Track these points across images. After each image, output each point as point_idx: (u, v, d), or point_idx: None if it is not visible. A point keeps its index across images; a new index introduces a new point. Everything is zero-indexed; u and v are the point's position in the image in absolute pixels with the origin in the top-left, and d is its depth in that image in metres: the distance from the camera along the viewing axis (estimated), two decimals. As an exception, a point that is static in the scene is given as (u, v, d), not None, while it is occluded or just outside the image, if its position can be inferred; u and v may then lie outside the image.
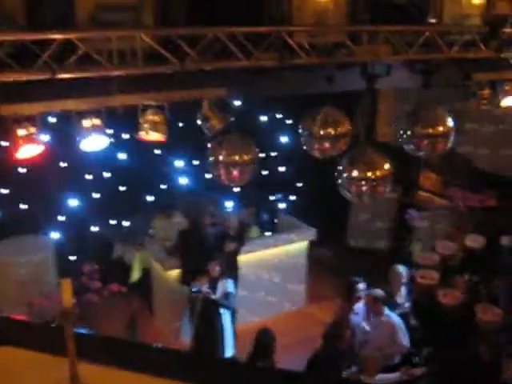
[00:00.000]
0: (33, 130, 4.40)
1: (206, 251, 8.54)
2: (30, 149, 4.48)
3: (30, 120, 4.45)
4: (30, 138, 4.41)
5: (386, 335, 7.40)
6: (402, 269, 8.10)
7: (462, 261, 8.79)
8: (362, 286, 7.78)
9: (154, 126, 5.19)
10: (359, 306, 7.71)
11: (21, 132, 4.37)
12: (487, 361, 6.71)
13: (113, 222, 11.15)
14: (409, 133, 6.23)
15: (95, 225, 10.97)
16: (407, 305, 7.98)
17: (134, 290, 10.16)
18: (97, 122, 4.52)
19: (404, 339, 7.41)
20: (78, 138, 4.63)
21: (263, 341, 6.96)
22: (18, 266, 9.34)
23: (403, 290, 8.05)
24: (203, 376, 4.42)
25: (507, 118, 10.31)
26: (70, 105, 4.46)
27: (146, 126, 5.20)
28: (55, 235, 10.40)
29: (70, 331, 3.87)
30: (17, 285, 9.04)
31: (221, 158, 5.64)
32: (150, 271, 10.01)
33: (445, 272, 8.32)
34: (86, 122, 4.51)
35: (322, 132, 5.83)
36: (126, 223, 11.18)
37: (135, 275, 10.28)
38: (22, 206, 10.34)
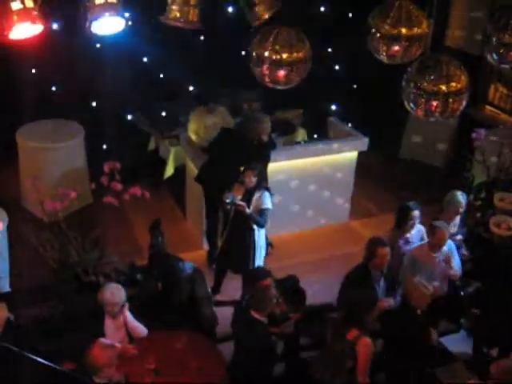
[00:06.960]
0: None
1: (242, 158, 7.44)
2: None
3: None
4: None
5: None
6: (460, 196, 7.15)
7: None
8: (416, 213, 6.87)
9: (184, 9, 4.19)
10: (413, 235, 6.93)
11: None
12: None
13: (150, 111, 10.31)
14: (495, 40, 5.36)
15: (131, 113, 10.21)
16: (459, 237, 7.15)
17: (167, 187, 9.71)
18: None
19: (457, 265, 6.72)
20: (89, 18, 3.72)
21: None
22: (48, 151, 8.82)
23: (458, 219, 7.20)
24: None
25: None
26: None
27: (174, 8, 4.22)
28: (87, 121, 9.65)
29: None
30: (46, 171, 8.54)
31: (266, 53, 4.80)
32: (184, 169, 9.28)
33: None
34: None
35: (393, 31, 4.81)
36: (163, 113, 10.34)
37: (169, 171, 9.60)
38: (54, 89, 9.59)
